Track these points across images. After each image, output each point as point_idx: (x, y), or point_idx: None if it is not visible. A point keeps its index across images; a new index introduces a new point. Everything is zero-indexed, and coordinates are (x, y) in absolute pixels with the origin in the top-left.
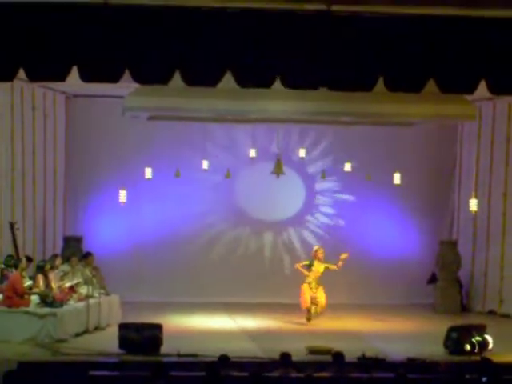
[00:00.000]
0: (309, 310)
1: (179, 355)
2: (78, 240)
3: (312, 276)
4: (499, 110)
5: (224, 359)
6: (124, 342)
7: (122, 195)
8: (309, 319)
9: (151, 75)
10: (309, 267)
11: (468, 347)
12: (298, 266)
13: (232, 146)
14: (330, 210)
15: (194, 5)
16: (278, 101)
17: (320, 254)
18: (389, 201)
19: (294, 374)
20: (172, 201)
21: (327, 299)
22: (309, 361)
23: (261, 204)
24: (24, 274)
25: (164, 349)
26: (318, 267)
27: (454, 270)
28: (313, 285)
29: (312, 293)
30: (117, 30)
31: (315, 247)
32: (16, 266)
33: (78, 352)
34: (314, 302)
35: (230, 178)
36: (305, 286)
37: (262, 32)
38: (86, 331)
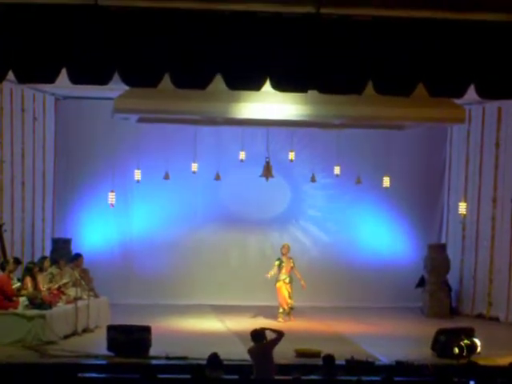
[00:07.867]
0: (288, 307)
1: (168, 358)
2: (66, 242)
3: (285, 272)
4: (489, 114)
5: (214, 358)
6: (113, 344)
7: (111, 197)
8: (282, 316)
9: (141, 78)
10: (280, 266)
11: (456, 350)
12: (268, 275)
13: (221, 149)
14: (318, 213)
15: (184, 7)
16: (268, 104)
17: (284, 250)
18: (378, 204)
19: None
20: (161, 203)
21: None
22: (297, 363)
23: (250, 206)
24: (12, 275)
25: (153, 351)
26: (287, 262)
27: (442, 274)
28: (287, 280)
29: (287, 288)
30: (107, 31)
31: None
32: (3, 268)
33: (67, 354)
34: (290, 296)
35: (219, 180)
36: (279, 284)
37: (251, 35)
38: (75, 333)
